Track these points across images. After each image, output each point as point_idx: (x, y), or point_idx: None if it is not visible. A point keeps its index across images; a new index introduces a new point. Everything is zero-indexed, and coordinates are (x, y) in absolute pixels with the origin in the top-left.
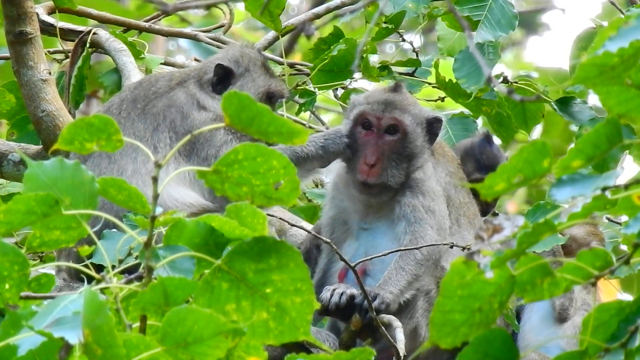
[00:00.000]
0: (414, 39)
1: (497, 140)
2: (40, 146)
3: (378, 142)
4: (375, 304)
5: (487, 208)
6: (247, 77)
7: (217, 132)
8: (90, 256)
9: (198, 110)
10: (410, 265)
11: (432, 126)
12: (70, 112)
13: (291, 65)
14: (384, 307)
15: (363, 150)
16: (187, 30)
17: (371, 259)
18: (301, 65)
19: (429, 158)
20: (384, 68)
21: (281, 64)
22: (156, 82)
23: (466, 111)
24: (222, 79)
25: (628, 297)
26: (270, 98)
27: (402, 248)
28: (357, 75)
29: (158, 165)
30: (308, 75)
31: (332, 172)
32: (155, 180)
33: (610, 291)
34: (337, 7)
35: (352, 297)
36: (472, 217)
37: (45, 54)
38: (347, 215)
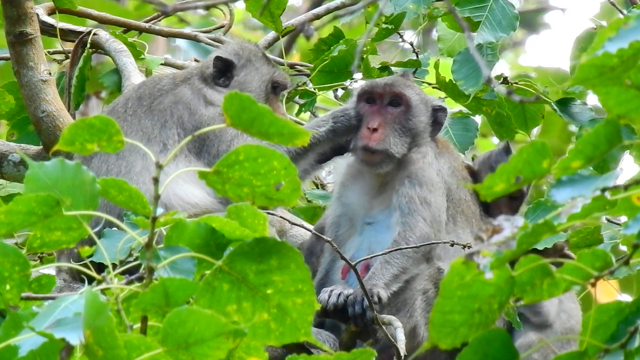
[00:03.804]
0: (414, 39)
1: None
2: (41, 147)
3: (381, 111)
4: (359, 306)
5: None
6: (249, 67)
7: (226, 128)
8: (91, 256)
9: (205, 106)
10: (396, 259)
11: (437, 114)
12: (70, 113)
13: (291, 66)
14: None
15: (366, 120)
16: (187, 30)
17: (372, 257)
18: (301, 65)
19: (431, 145)
20: (385, 69)
21: (281, 64)
22: (160, 81)
23: (465, 110)
24: (224, 71)
25: (627, 298)
26: (275, 88)
27: (402, 247)
28: (357, 76)
29: (159, 166)
30: (308, 76)
31: (338, 172)
32: (156, 181)
33: (610, 292)
34: (337, 8)
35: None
36: (470, 216)
37: (45, 54)
38: (353, 211)
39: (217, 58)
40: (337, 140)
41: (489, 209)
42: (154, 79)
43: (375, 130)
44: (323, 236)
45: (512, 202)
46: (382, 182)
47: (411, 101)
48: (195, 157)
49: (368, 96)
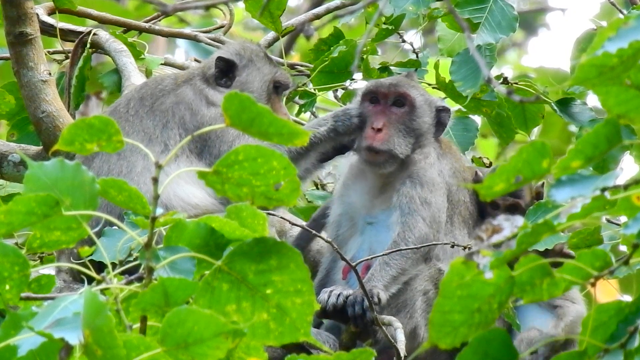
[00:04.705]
0: (414, 39)
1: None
2: (41, 147)
3: (385, 111)
4: (359, 307)
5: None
6: (251, 68)
7: (227, 128)
8: (90, 256)
9: (207, 107)
10: (395, 260)
11: (441, 115)
12: (70, 113)
13: (291, 66)
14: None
15: (370, 120)
16: (187, 30)
17: (372, 258)
18: (301, 66)
19: (434, 145)
20: (385, 69)
21: (281, 64)
22: (162, 81)
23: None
24: (226, 72)
25: (627, 298)
26: (277, 88)
27: (403, 248)
28: (357, 76)
29: (159, 166)
30: (308, 76)
31: (342, 172)
32: (155, 181)
33: (610, 291)
34: (337, 8)
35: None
36: (467, 218)
37: (45, 54)
38: (354, 211)
39: (219, 58)
40: (339, 140)
41: (485, 215)
42: (156, 79)
43: (379, 130)
44: (322, 236)
45: (508, 208)
46: (384, 182)
47: (415, 102)
48: (196, 157)
49: (372, 96)
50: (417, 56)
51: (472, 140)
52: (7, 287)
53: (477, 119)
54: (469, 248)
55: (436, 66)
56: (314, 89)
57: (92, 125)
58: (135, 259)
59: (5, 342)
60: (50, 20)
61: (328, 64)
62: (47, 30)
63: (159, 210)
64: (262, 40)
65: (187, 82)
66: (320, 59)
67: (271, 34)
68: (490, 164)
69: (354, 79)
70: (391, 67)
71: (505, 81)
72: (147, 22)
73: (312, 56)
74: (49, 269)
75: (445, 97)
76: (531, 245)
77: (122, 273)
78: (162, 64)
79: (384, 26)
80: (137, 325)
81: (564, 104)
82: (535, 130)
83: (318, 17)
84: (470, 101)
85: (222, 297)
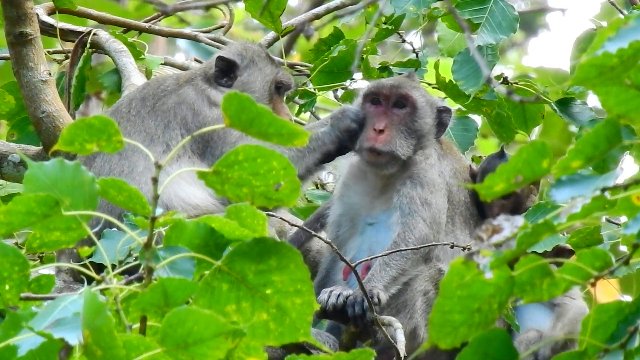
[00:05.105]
0: (414, 39)
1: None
2: (41, 147)
3: (387, 112)
4: (359, 307)
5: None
6: (253, 68)
7: (230, 129)
8: (90, 256)
9: (209, 107)
10: (395, 260)
11: (442, 115)
12: (70, 113)
13: (291, 66)
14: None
15: (371, 121)
16: (187, 30)
17: (371, 259)
18: (301, 66)
19: (435, 146)
20: (385, 69)
21: (281, 64)
22: (164, 82)
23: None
24: (227, 72)
25: (627, 298)
26: (279, 88)
27: (403, 249)
28: (357, 76)
29: (158, 167)
30: (308, 76)
31: (342, 172)
32: (155, 181)
33: (610, 291)
34: (337, 8)
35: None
36: (468, 218)
37: (45, 54)
38: (354, 211)
39: (219, 58)
40: (338, 139)
41: (484, 208)
42: (158, 79)
43: (381, 131)
44: (322, 237)
45: (506, 208)
46: (385, 182)
47: (417, 103)
48: (199, 158)
49: (373, 97)
50: (417, 56)
51: (472, 140)
52: (7, 287)
53: (477, 119)
54: (469, 248)
55: (436, 66)
56: (314, 89)
57: (92, 125)
58: (135, 259)
59: (5, 342)
60: (50, 20)
61: (328, 64)
62: (47, 30)
63: (159, 211)
64: (262, 40)
65: (189, 82)
66: (320, 59)
67: (271, 34)
68: None
69: (354, 79)
70: (391, 67)
71: (505, 81)
72: (147, 22)
73: (312, 56)
74: (49, 269)
75: (446, 97)
76: (531, 246)
77: (122, 273)
78: (162, 64)
79: (384, 26)
80: (137, 326)
81: (564, 104)
82: (535, 130)
83: (318, 17)
84: (470, 101)
85: (222, 297)
